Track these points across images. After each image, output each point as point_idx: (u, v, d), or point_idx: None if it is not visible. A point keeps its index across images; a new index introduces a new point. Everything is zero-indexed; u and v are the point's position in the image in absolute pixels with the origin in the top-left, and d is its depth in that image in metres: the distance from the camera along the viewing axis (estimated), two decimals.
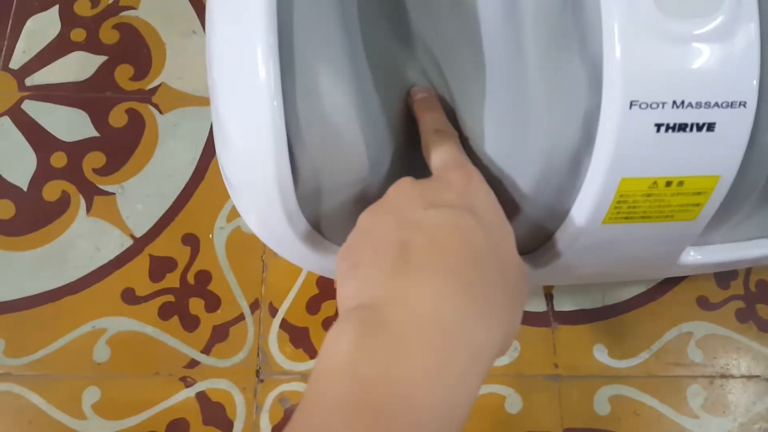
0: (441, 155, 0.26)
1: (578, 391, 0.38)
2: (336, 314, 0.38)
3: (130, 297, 0.39)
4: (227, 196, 0.40)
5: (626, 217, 0.27)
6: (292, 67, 0.25)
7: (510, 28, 0.26)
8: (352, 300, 0.22)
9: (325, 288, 0.40)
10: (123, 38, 0.44)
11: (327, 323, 0.39)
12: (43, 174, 0.41)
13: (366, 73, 0.27)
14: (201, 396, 0.37)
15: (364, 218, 0.25)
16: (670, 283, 0.41)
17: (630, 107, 0.24)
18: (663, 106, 0.24)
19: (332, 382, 0.20)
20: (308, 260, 0.32)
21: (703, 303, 0.41)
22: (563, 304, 0.40)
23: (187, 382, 0.37)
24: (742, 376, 0.39)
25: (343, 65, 0.26)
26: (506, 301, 0.22)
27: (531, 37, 0.25)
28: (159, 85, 0.43)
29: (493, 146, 0.28)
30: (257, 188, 0.27)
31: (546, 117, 0.26)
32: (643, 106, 0.24)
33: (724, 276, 0.41)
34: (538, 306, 0.40)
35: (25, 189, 0.40)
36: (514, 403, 0.38)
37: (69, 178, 0.41)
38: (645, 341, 0.40)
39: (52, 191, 0.40)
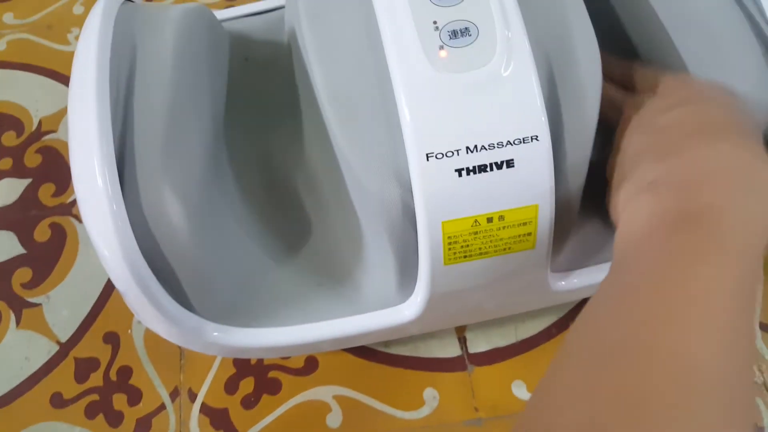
0: (646, 77, 0.30)
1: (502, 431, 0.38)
2: (254, 390, 0.39)
3: (58, 401, 0.40)
4: None
5: (465, 256, 0.28)
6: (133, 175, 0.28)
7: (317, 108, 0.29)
8: (642, 181, 0.25)
9: (242, 366, 0.41)
10: (45, 160, 0.48)
11: (246, 401, 0.39)
12: None
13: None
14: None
15: (623, 142, 0.28)
16: (573, 315, 0.41)
17: (427, 159, 0.25)
18: (458, 153, 0.25)
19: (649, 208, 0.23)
20: (199, 341, 0.33)
21: None
22: (477, 345, 0.40)
23: None
24: None
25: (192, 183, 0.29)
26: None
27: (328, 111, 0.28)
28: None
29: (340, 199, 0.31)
30: (125, 287, 0.29)
31: (359, 178, 0.28)
32: (439, 156, 0.26)
33: None
34: (453, 351, 0.40)
35: None
36: None
37: (0, 296, 0.43)
38: None
39: None
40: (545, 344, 0.40)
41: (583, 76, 0.27)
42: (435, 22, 0.27)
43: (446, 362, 0.40)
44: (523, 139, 0.26)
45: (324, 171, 0.35)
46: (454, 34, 0.27)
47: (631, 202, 0.25)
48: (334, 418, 0.39)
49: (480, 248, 0.28)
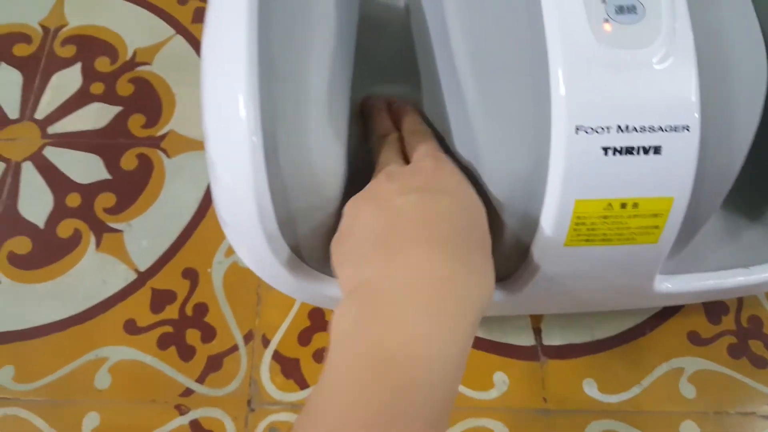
0: (417, 149, 0.29)
1: (567, 426, 0.38)
2: (326, 345, 0.39)
3: (131, 327, 0.41)
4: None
5: (587, 239, 0.28)
6: (273, 107, 0.28)
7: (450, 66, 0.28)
8: (350, 282, 0.25)
9: (317, 320, 0.41)
10: (137, 90, 0.48)
11: (318, 355, 0.40)
12: (58, 213, 0.44)
13: (339, 102, 0.29)
14: (194, 424, 0.38)
15: (350, 207, 0.27)
16: (659, 318, 0.41)
17: (576, 132, 0.25)
18: (608, 131, 0.25)
19: (343, 348, 0.22)
20: (291, 286, 0.33)
21: (695, 338, 0.41)
22: (552, 339, 0.41)
23: (181, 410, 0.38)
24: (737, 413, 0.39)
25: (321, 99, 0.29)
26: (486, 261, 0.26)
27: (469, 74, 0.27)
28: (168, 132, 0.46)
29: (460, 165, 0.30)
30: (242, 219, 0.29)
31: (491, 147, 0.27)
32: (589, 130, 0.25)
33: (714, 311, 0.41)
34: (527, 340, 0.40)
35: (41, 227, 0.43)
36: None
37: (81, 217, 0.44)
38: (635, 376, 0.39)
39: (65, 229, 0.43)
40: (619, 347, 0.40)
41: (744, 84, 0.27)
42: None
43: (519, 350, 0.40)
44: (675, 127, 0.26)
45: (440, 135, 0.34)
46: (620, 10, 0.26)
47: (344, 298, 0.24)
48: None
49: (605, 234, 0.28)
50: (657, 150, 0.26)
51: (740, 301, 0.42)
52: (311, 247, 0.32)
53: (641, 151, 0.26)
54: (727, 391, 0.39)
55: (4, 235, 0.43)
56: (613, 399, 0.39)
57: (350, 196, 0.29)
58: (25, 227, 0.43)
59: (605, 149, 0.25)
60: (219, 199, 0.31)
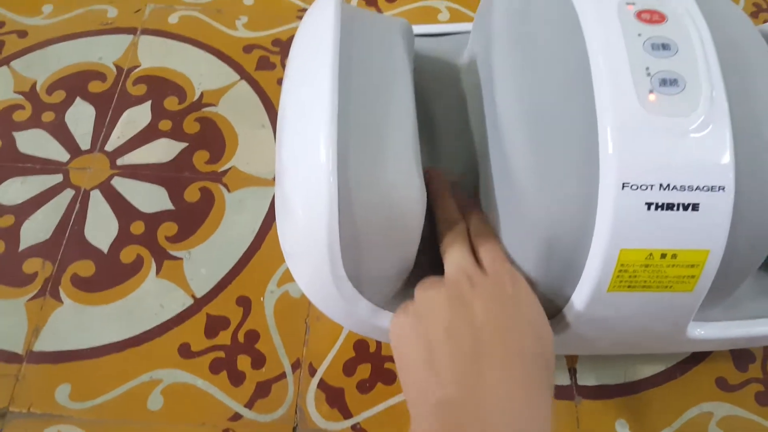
0: (488, 251, 0.32)
1: None
2: (370, 376, 0.41)
3: (186, 351, 0.43)
4: (279, 264, 0.45)
5: (629, 286, 0.31)
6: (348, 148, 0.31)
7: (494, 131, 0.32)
8: (431, 394, 0.27)
9: (361, 351, 0.43)
10: (203, 129, 0.51)
11: (361, 385, 0.42)
12: (122, 239, 0.47)
13: (416, 150, 0.33)
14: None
15: (426, 290, 0.30)
16: (689, 363, 0.43)
17: (623, 188, 0.28)
18: (651, 188, 0.28)
19: None
20: (346, 317, 0.36)
21: (722, 384, 0.42)
22: (586, 379, 0.42)
23: None
24: None
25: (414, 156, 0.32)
26: (549, 386, 0.28)
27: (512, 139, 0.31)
28: (230, 168, 0.49)
29: (500, 225, 0.33)
30: (311, 253, 0.32)
31: (536, 204, 0.30)
32: (634, 187, 0.28)
33: (742, 359, 0.43)
34: (563, 380, 0.42)
35: (105, 252, 0.46)
36: None
37: (144, 244, 0.47)
38: (666, 418, 0.41)
39: (128, 254, 0.46)
40: (650, 390, 0.42)
41: None
42: (647, 68, 0.30)
43: (556, 389, 0.42)
44: (712, 186, 0.29)
45: (484, 191, 0.37)
46: (663, 82, 0.30)
47: (420, 415, 0.27)
48: None
49: (645, 281, 0.31)
50: (695, 207, 0.28)
51: (766, 350, 0.44)
52: (372, 284, 0.34)
53: (681, 208, 0.28)
54: None
55: (69, 258, 0.46)
56: None
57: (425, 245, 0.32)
58: (90, 251, 0.46)
59: (648, 204, 0.28)
60: (289, 232, 0.34)
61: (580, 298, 0.32)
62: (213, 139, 0.51)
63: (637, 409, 0.41)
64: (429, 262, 0.37)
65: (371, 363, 0.43)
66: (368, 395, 0.41)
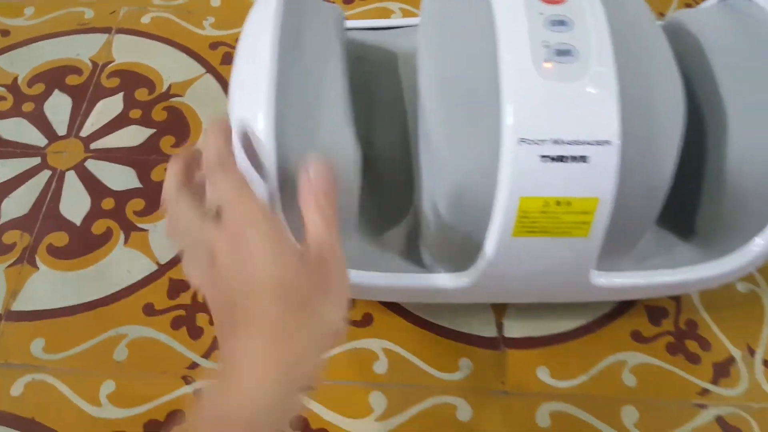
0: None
1: (522, 406, 0.44)
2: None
3: (149, 310, 0.47)
4: None
5: (530, 231, 0.35)
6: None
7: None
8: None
9: None
10: (170, 117, 0.56)
11: None
12: (94, 214, 0.51)
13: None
14: (198, 392, 0.44)
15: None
16: (607, 319, 0.47)
17: (519, 143, 0.33)
18: (545, 143, 0.33)
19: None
20: None
21: (637, 336, 0.47)
22: (512, 331, 0.47)
23: (187, 381, 0.44)
24: (673, 401, 0.44)
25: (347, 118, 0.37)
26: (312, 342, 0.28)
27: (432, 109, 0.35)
28: None
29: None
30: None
31: (448, 161, 0.35)
32: (530, 142, 0.33)
33: (656, 314, 0.47)
34: (490, 332, 0.47)
35: (78, 224, 0.51)
36: (464, 412, 0.43)
37: (114, 218, 0.51)
38: (583, 366, 0.45)
39: (99, 227, 0.51)
40: (572, 342, 0.46)
41: (663, 117, 0.35)
42: (545, 41, 0.35)
43: (483, 340, 0.46)
44: (598, 141, 0.33)
45: (412, 153, 0.42)
46: (558, 53, 0.34)
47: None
48: (381, 366, 0.45)
49: (544, 227, 0.35)
50: (584, 159, 0.33)
51: (678, 306, 0.48)
52: None
53: (571, 160, 0.33)
54: (664, 382, 0.45)
55: (45, 230, 0.51)
56: (563, 384, 0.44)
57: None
58: (64, 224, 0.51)
59: (542, 157, 0.33)
60: None
61: (490, 244, 0.36)
62: (179, 125, 0.56)
63: (558, 358, 0.46)
64: (370, 225, 0.42)
65: None
66: None
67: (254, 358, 0.27)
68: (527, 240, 0.36)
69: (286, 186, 0.35)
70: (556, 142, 0.33)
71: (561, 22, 0.36)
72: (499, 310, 0.48)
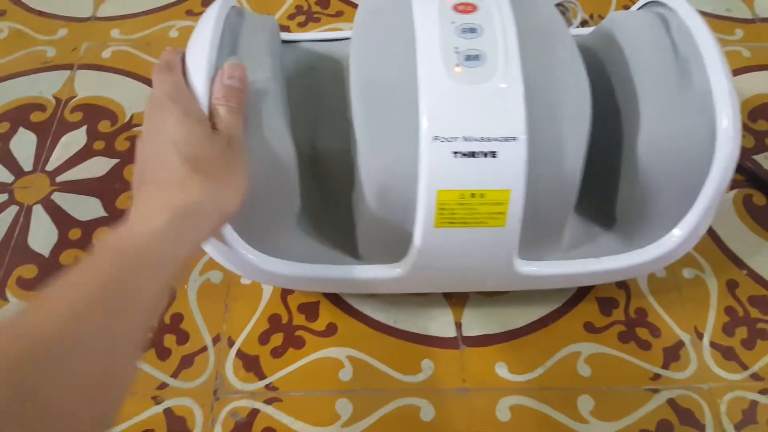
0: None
1: (483, 401, 0.45)
2: (282, 343, 0.47)
3: None
4: (200, 255, 0.51)
5: (450, 222, 0.37)
6: None
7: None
8: None
9: (275, 323, 0.49)
10: (132, 146, 0.58)
11: (275, 351, 0.47)
12: (62, 245, 0.53)
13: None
14: (168, 411, 0.45)
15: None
16: (560, 312, 0.49)
17: (434, 141, 0.35)
18: (456, 139, 0.35)
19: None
20: (242, 266, 0.42)
21: (590, 327, 0.49)
22: (471, 330, 0.48)
23: (157, 401, 0.45)
24: (625, 388, 0.46)
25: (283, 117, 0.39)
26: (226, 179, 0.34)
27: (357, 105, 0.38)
28: None
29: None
30: None
31: (370, 160, 0.37)
32: (443, 140, 0.35)
33: (606, 305, 0.50)
34: (450, 332, 0.48)
35: (47, 256, 0.52)
36: (427, 412, 0.45)
37: (81, 247, 0.52)
38: (540, 359, 0.47)
39: (67, 257, 0.52)
40: (527, 336, 0.48)
41: (569, 116, 0.37)
42: (456, 48, 0.37)
43: (443, 340, 0.48)
44: (505, 137, 0.36)
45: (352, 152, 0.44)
46: (468, 58, 0.37)
47: None
48: (346, 374, 0.46)
49: (463, 218, 0.37)
50: (494, 154, 0.35)
51: (628, 295, 0.50)
52: (263, 231, 0.41)
53: (481, 155, 0.35)
54: (617, 370, 0.47)
55: (14, 263, 0.52)
56: (521, 378, 0.46)
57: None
58: (33, 257, 0.52)
59: (455, 153, 0.35)
60: None
61: (417, 235, 0.39)
62: None
63: (515, 353, 0.47)
64: (316, 220, 0.44)
65: (283, 332, 0.48)
66: (281, 359, 0.47)
67: (151, 204, 0.32)
68: (449, 230, 0.38)
69: None
70: (466, 139, 0.36)
71: (471, 30, 0.38)
72: (458, 310, 0.49)
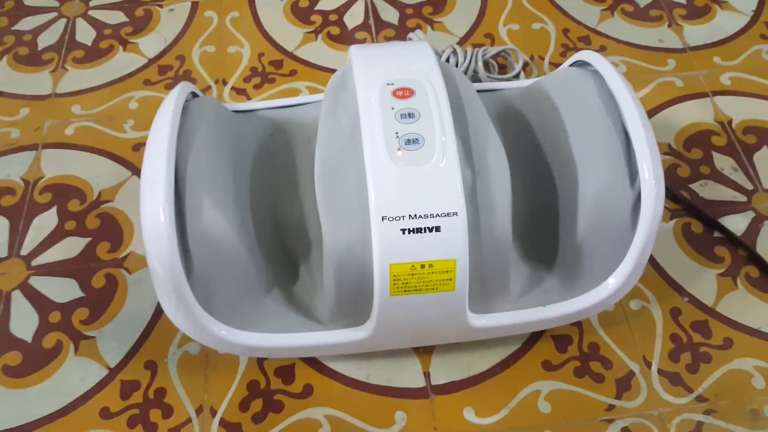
0: None
1: None
2: (262, 408, 0.50)
3: (105, 413, 0.51)
4: (177, 329, 0.54)
5: (404, 290, 0.41)
6: (183, 210, 0.41)
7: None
8: None
9: (254, 389, 0.52)
10: (102, 223, 0.60)
11: (256, 417, 0.50)
12: (43, 329, 0.55)
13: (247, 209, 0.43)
14: None
15: None
16: (520, 352, 0.53)
17: (382, 220, 0.39)
18: (403, 218, 0.39)
19: None
20: (210, 339, 0.45)
21: (547, 365, 0.52)
22: (438, 378, 0.52)
23: None
24: (583, 420, 0.50)
25: (227, 204, 0.42)
26: None
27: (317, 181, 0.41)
28: (129, 254, 0.58)
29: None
30: (168, 290, 0.42)
31: (329, 237, 0.40)
32: (391, 219, 0.39)
33: (562, 342, 0.53)
34: (419, 383, 0.52)
35: (30, 341, 0.54)
36: None
37: (62, 329, 0.55)
38: (504, 400, 0.51)
39: (49, 341, 0.54)
40: (491, 379, 0.52)
41: (495, 187, 0.41)
42: (397, 132, 0.41)
43: (414, 391, 0.51)
44: (447, 213, 0.39)
45: (314, 224, 0.48)
46: (408, 142, 0.41)
47: None
48: None
49: (416, 286, 0.41)
50: (438, 229, 0.39)
51: (581, 332, 0.54)
52: (224, 305, 0.44)
53: (427, 230, 0.39)
54: (574, 404, 0.50)
55: None
56: (488, 421, 0.50)
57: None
58: (16, 343, 0.54)
59: (403, 230, 0.39)
60: (155, 282, 0.43)
61: (375, 303, 0.42)
62: (112, 230, 0.60)
63: (480, 397, 0.51)
64: (284, 289, 0.47)
65: (262, 398, 0.51)
66: (262, 424, 0.50)
67: None
68: (404, 298, 0.41)
69: (189, 266, 0.41)
70: (412, 217, 0.39)
71: (410, 114, 0.42)
72: (426, 359, 0.53)
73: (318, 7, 0.78)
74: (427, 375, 0.52)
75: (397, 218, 0.39)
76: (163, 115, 0.45)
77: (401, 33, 0.75)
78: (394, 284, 0.40)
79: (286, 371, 0.52)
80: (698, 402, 0.50)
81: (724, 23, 0.76)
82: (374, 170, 0.40)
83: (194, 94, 0.51)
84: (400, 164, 0.40)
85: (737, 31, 0.75)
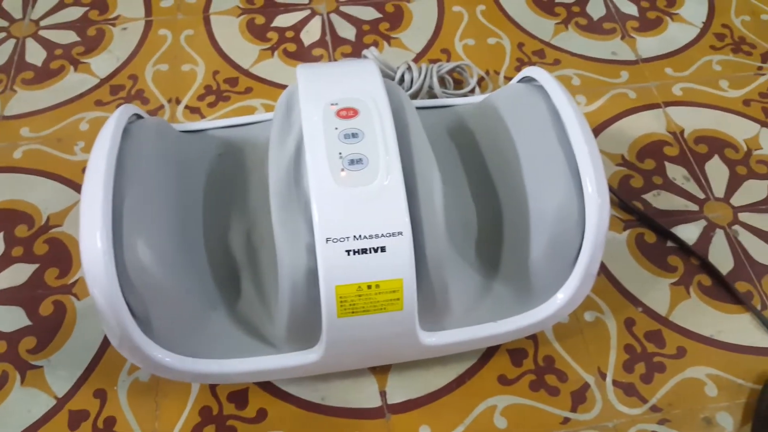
0: None
1: None
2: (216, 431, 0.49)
3: None
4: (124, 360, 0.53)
5: (352, 312, 0.40)
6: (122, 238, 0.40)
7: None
8: None
9: (206, 415, 0.51)
10: (51, 249, 0.59)
11: None
12: None
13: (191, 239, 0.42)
14: None
15: None
16: (475, 368, 0.53)
17: (327, 242, 0.38)
18: (348, 239, 0.38)
19: None
20: (155, 365, 0.44)
21: (503, 380, 0.52)
22: (394, 397, 0.51)
23: None
24: None
25: (160, 235, 0.41)
26: None
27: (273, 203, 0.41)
28: (78, 279, 0.57)
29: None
30: (108, 315, 0.41)
31: (282, 251, 0.40)
32: (335, 240, 0.38)
33: (517, 356, 0.53)
34: (375, 402, 0.51)
35: None
36: None
37: (8, 360, 0.53)
38: (460, 417, 0.50)
39: None
40: (447, 396, 0.51)
41: (429, 205, 0.41)
42: (340, 153, 0.41)
43: (370, 411, 0.51)
44: (392, 233, 0.39)
45: (264, 244, 0.47)
46: (352, 162, 0.40)
47: None
48: None
49: (363, 307, 0.40)
50: (383, 249, 0.39)
51: (536, 345, 0.54)
52: (166, 330, 0.43)
53: (372, 251, 0.39)
54: (530, 418, 0.50)
55: None
56: None
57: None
58: None
59: (348, 251, 0.38)
60: (97, 309, 0.42)
61: (324, 325, 0.41)
62: (61, 256, 0.58)
63: (436, 414, 0.51)
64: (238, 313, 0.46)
65: (215, 423, 0.50)
66: None
67: None
68: (352, 319, 0.41)
69: (124, 287, 0.40)
70: (356, 238, 0.39)
71: (353, 135, 0.42)
72: (382, 378, 0.52)
73: (274, 24, 0.77)
74: (383, 394, 0.52)
75: (342, 239, 0.39)
76: (102, 140, 0.44)
77: (358, 49, 0.75)
78: (341, 306, 0.40)
79: (240, 396, 0.51)
80: (652, 412, 0.51)
81: (675, 35, 0.78)
82: (317, 192, 0.39)
83: (138, 116, 0.50)
84: (343, 185, 0.40)
85: (688, 42, 0.77)
